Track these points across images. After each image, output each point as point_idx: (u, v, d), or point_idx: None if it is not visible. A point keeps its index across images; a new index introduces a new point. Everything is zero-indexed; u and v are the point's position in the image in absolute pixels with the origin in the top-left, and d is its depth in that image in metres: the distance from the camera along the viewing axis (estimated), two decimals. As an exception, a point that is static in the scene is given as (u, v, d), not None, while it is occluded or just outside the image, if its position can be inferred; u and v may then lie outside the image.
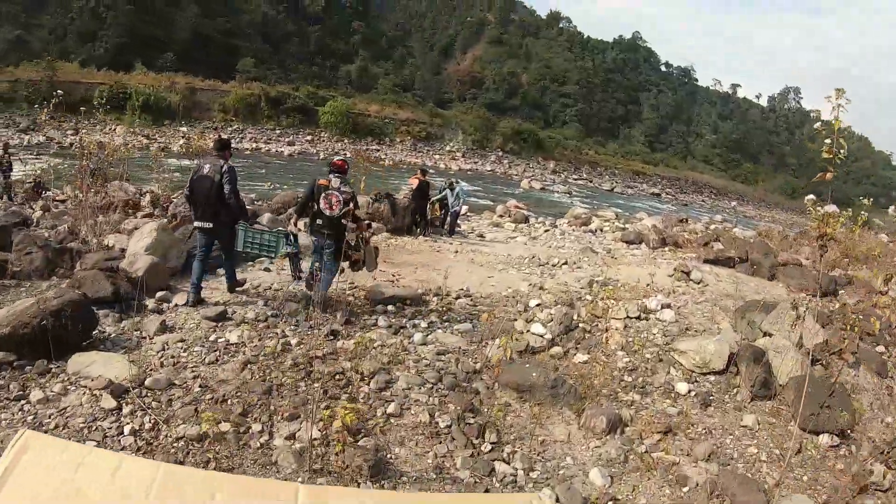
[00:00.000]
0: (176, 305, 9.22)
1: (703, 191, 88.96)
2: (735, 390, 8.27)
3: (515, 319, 10.00)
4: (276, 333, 8.41)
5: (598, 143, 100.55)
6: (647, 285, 12.10)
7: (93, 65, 69.72)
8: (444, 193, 20.05)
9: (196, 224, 9.31)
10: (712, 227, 30.39)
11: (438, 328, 9.61)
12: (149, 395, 6.73)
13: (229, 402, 6.78)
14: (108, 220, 13.16)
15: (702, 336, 9.39)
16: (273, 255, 10.67)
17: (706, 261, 17.57)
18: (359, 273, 10.32)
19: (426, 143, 72.20)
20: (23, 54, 70.51)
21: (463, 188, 21.17)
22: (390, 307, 10.18)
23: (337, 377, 7.52)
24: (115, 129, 52.77)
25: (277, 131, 64.80)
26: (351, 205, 9.05)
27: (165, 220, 15.27)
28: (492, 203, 34.98)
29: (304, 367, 7.56)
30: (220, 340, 8.08)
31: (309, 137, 64.67)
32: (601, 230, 25.07)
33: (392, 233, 17.70)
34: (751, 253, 18.69)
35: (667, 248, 19.87)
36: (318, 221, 9.11)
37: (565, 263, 14.98)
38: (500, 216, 28.00)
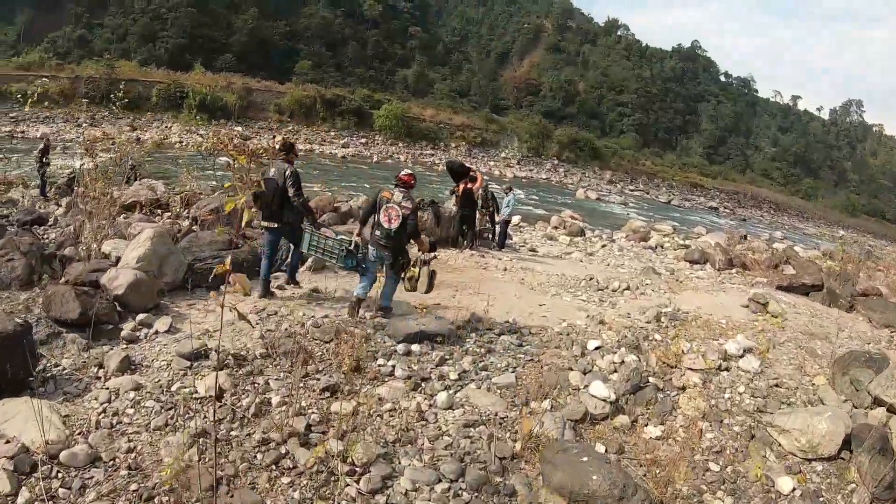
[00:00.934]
0: (156, 332, 8.14)
1: (762, 206, 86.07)
2: (849, 487, 6.60)
3: (570, 369, 8.43)
4: (256, 386, 7.02)
5: (655, 154, 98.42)
6: (723, 320, 10.98)
7: (152, 64, 70.41)
8: (507, 200, 19.07)
9: (263, 223, 9.96)
10: (775, 245, 28.79)
11: (472, 380, 7.91)
12: (60, 474, 5.26)
13: (156, 501, 5.13)
14: (111, 222, 12.22)
15: (802, 407, 7.77)
16: (335, 262, 10.35)
17: (779, 287, 16.34)
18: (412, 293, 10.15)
19: (481, 148, 71.23)
20: (84, 53, 71.55)
21: (515, 196, 19.99)
22: (415, 346, 8.42)
23: (317, 468, 5.74)
24: (170, 127, 53.65)
25: (332, 133, 64.41)
26: (409, 220, 9.08)
27: (169, 223, 14.59)
28: (546, 213, 33.80)
29: (276, 447, 5.98)
30: (183, 391, 6.67)
31: (363, 140, 64.21)
32: (661, 247, 23.79)
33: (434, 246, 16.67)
34: (826, 280, 17.43)
35: (734, 270, 18.66)
36: (377, 233, 9.22)
37: (627, 288, 13.61)
38: (555, 227, 26.90)
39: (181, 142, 49.10)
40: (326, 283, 11.05)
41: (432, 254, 10.23)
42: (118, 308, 8.55)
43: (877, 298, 15.96)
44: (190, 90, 59.96)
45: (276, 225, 9.73)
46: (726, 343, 9.42)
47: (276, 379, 7.26)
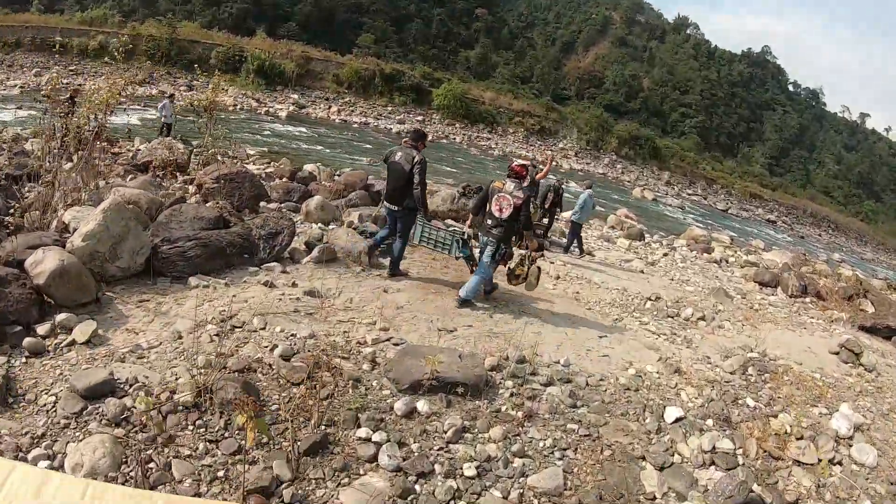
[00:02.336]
0: (73, 343, 6.14)
1: (821, 224, 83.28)
2: None
3: (642, 458, 6.28)
4: (149, 469, 4.64)
5: (714, 159, 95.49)
6: (815, 373, 9.68)
7: (216, 27, 70.13)
8: (582, 198, 17.12)
9: (385, 204, 10.34)
10: (841, 270, 27.12)
11: (500, 474, 5.53)
12: None
13: None
14: (96, 184, 10.94)
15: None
16: (447, 253, 10.73)
17: (861, 328, 14.80)
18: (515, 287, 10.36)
19: (539, 136, 69.32)
20: (149, 13, 71.48)
21: (590, 196, 17.60)
22: (423, 403, 6.19)
23: None
24: (226, 90, 52.52)
25: (389, 108, 63.14)
26: (521, 210, 9.26)
27: (168, 190, 13.06)
28: (601, 210, 32.26)
29: None
30: (41, 464, 4.44)
31: (420, 118, 62.61)
32: (727, 261, 22.22)
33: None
34: (910, 321, 15.94)
35: (808, 299, 17.16)
36: (488, 222, 9.46)
37: (702, 318, 12.07)
38: (612, 227, 25.44)
39: (235, 105, 48.39)
40: (327, 282, 9.33)
41: (540, 252, 10.62)
42: (45, 301, 6.68)
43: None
44: (249, 54, 59.61)
45: (396, 207, 9.91)
46: (832, 418, 7.94)
47: (187, 455, 4.92)
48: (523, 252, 9.92)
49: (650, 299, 12.97)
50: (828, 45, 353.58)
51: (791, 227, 73.51)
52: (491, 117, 68.40)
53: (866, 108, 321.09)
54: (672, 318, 11.90)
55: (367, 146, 42.63)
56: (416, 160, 9.57)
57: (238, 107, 48.48)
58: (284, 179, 18.21)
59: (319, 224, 13.01)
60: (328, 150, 37.37)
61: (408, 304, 9.03)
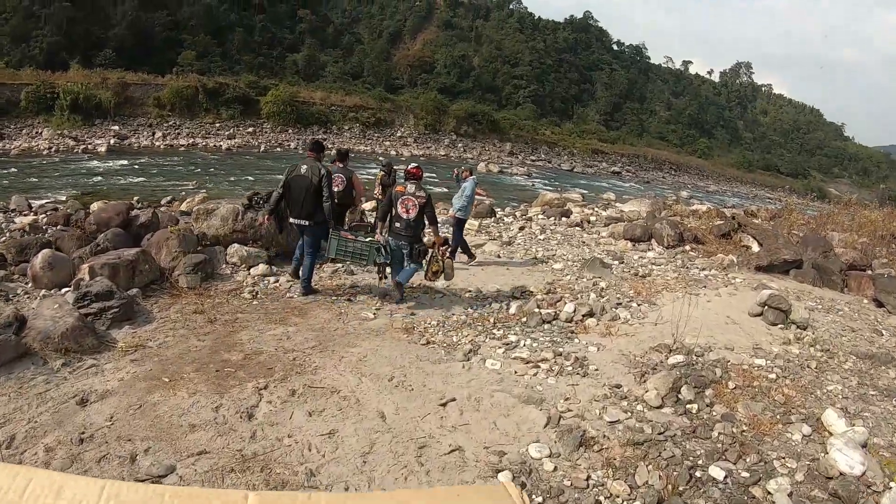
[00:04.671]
0: None
1: (663, 167, 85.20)
2: None
3: None
4: None
5: (553, 123, 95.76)
6: (766, 368, 7.17)
7: (28, 66, 62.84)
8: (463, 188, 13.18)
9: (293, 220, 9.67)
10: (695, 206, 25.29)
11: None
12: None
13: None
14: None
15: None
16: (364, 264, 10.37)
17: (758, 268, 12.74)
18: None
19: (376, 129, 66.14)
20: None
21: (475, 184, 13.58)
22: None
23: None
24: (41, 133, 47.74)
25: (217, 125, 58.04)
26: (426, 209, 9.55)
27: None
28: (446, 191, 29.23)
29: None
30: None
31: (251, 129, 58.24)
32: (588, 222, 19.67)
33: (269, 264, 11.24)
34: (804, 251, 13.85)
35: (687, 247, 14.93)
36: (397, 225, 9.58)
37: (590, 314, 8.99)
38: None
39: (50, 147, 43.26)
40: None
41: (447, 245, 10.71)
42: None
43: (876, 274, 12.27)
44: (61, 90, 53.16)
45: (307, 223, 9.52)
46: (830, 449, 5.24)
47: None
48: (432, 249, 9.83)
49: (514, 297, 10.16)
50: (644, 4, 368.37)
51: (636, 175, 75.25)
52: (324, 117, 64.65)
53: (687, 55, 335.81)
54: (549, 323, 8.86)
55: (195, 168, 38.71)
56: (322, 172, 9.41)
57: (53, 149, 43.11)
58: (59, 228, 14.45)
59: (55, 289, 9.49)
60: (149, 181, 33.24)
61: (108, 425, 5.56)
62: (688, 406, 6.19)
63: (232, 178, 35.08)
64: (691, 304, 8.92)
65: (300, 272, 9.90)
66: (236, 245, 11.26)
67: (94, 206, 17.45)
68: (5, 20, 77.01)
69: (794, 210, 20.36)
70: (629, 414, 6.05)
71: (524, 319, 8.99)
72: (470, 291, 10.68)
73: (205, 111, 59.58)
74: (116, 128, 52.76)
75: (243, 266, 10.92)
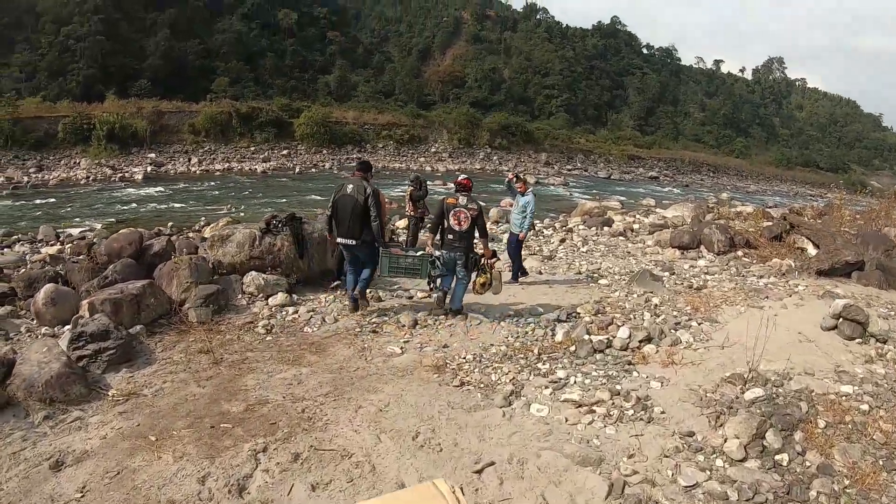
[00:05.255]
0: None
1: (701, 169, 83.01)
2: None
3: None
4: None
5: (587, 132, 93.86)
6: (855, 396, 6.02)
7: (65, 99, 63.53)
8: (524, 202, 11.94)
9: (340, 240, 9.35)
10: (738, 207, 23.95)
11: None
12: None
13: None
14: None
15: None
16: (418, 278, 10.06)
17: (819, 272, 11.40)
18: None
19: (410, 146, 65.27)
20: None
21: (531, 199, 12.09)
22: None
23: None
24: (78, 163, 47.97)
25: (252, 149, 57.83)
26: (478, 220, 9.33)
27: None
28: (483, 205, 28.14)
29: None
30: None
31: (285, 152, 57.90)
32: (632, 230, 18.46)
33: (289, 292, 10.17)
34: (865, 250, 12.51)
35: (739, 252, 13.69)
36: (450, 237, 9.32)
37: (647, 339, 7.81)
38: (496, 223, 21.50)
39: (88, 177, 43.25)
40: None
41: (495, 257, 10.21)
42: None
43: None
44: (97, 121, 53.25)
45: (353, 242, 9.21)
46: None
47: None
48: (482, 260, 9.65)
49: (559, 321, 8.97)
50: (672, 6, 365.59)
51: (673, 179, 73.29)
52: (357, 137, 64.11)
53: (718, 55, 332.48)
54: (602, 352, 7.68)
55: (229, 192, 38.20)
56: (369, 191, 9.11)
57: (91, 178, 43.03)
58: (83, 257, 13.66)
59: (58, 326, 8.73)
60: (184, 206, 32.75)
61: (78, 497, 4.70)
62: (776, 457, 5.06)
63: (266, 201, 34.47)
64: (756, 319, 7.76)
65: (356, 286, 9.52)
66: (253, 273, 10.24)
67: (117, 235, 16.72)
68: (42, 56, 78.57)
69: (842, 206, 18.97)
70: (708, 473, 4.93)
71: (573, 348, 7.81)
72: (510, 315, 9.57)
73: (239, 136, 59.44)
74: (153, 155, 52.80)
75: (261, 296, 9.91)
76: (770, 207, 25.77)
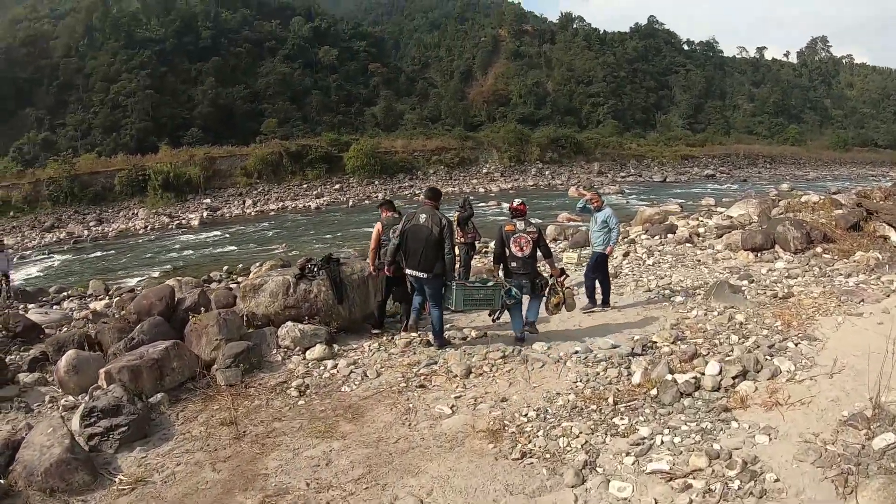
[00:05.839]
0: None
1: (757, 162, 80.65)
2: None
3: None
4: None
5: (637, 136, 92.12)
6: None
7: (120, 153, 64.75)
8: (604, 217, 10.79)
9: (410, 272, 8.84)
10: (810, 197, 22.31)
11: None
12: None
13: None
14: None
15: None
16: (491, 307, 8.98)
17: None
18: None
19: (460, 169, 64.52)
20: (51, 154, 66.67)
21: (610, 212, 11.01)
22: None
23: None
24: (136, 213, 48.94)
25: (304, 186, 57.82)
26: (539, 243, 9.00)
27: None
28: (540, 221, 27.03)
29: None
30: None
31: (337, 186, 57.66)
32: (698, 235, 17.09)
33: (329, 343, 8.95)
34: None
35: (818, 248, 12.34)
36: (513, 264, 8.95)
37: (742, 374, 6.51)
38: (555, 240, 20.36)
39: (146, 226, 43.71)
40: None
41: (564, 275, 9.81)
42: None
43: None
44: (151, 171, 53.94)
45: (426, 275, 8.59)
46: None
47: None
48: (551, 280, 9.38)
49: (634, 354, 7.77)
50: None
51: (730, 174, 71.23)
52: (408, 164, 63.58)
53: (760, 42, 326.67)
54: (690, 396, 6.34)
55: (284, 231, 38.05)
56: (444, 223, 8.61)
57: (149, 227, 43.44)
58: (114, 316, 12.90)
59: (81, 395, 7.87)
60: (239, 248, 32.47)
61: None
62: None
63: (328, 233, 34.70)
64: (860, 330, 6.46)
65: (432, 332, 9.02)
66: (290, 324, 9.14)
67: (143, 289, 15.99)
68: (95, 113, 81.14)
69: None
70: None
71: (654, 392, 6.48)
72: (577, 351, 8.21)
73: (291, 174, 59.48)
74: (208, 201, 53.12)
75: (297, 349, 8.79)
76: (834, 194, 24.66)
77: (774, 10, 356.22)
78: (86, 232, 41.55)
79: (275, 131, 76.94)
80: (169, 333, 9.02)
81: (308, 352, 8.68)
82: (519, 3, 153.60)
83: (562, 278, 9.52)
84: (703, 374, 6.69)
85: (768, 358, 6.92)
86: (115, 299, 17.93)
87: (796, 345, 7.28)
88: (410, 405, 6.89)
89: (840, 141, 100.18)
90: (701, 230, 17.82)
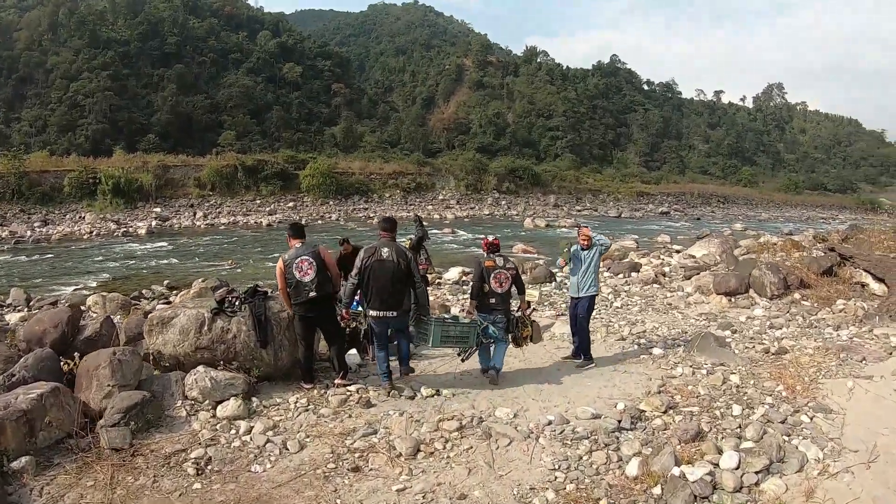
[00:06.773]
0: None
1: (711, 201, 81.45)
2: None
3: None
4: None
5: (594, 171, 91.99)
6: None
7: (74, 153, 62.72)
8: (599, 242, 9.25)
9: (374, 313, 7.85)
10: (760, 238, 21.50)
11: None
12: None
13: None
14: None
15: None
16: (466, 347, 8.42)
17: None
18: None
19: (416, 194, 63.75)
20: (1, 149, 64.23)
21: (594, 253, 9.26)
22: None
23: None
24: (83, 217, 46.63)
25: (257, 201, 56.03)
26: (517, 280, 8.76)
27: None
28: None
29: None
30: None
31: (291, 204, 56.16)
32: (664, 275, 15.92)
33: (246, 397, 7.16)
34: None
35: (796, 295, 11.39)
36: (492, 300, 8.52)
37: (767, 470, 5.05)
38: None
39: (91, 231, 41.32)
40: None
41: (531, 308, 9.47)
42: None
43: None
44: (102, 175, 51.73)
45: (394, 313, 7.83)
46: None
47: None
48: (518, 314, 8.81)
49: (622, 429, 6.40)
50: (669, 40, 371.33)
51: (684, 212, 71.75)
52: (364, 186, 62.35)
53: (718, 86, 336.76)
54: (707, 499, 4.87)
55: (233, 246, 36.23)
56: (409, 255, 7.94)
57: (95, 233, 41.06)
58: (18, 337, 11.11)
59: None
60: (183, 262, 30.65)
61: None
62: None
63: (271, 254, 32.56)
64: (876, 399, 5.27)
65: (398, 359, 8.57)
66: (201, 369, 7.28)
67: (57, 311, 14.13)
68: (52, 111, 79.18)
69: (867, 229, 17.00)
70: None
71: (656, 490, 4.98)
72: (550, 421, 6.69)
73: (245, 188, 57.86)
74: (158, 210, 51.25)
75: (206, 402, 7.01)
76: (789, 234, 24.20)
77: (736, 54, 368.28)
78: (29, 232, 39.49)
79: (232, 144, 75.62)
80: (57, 371, 7.25)
81: (220, 407, 6.89)
82: (485, 35, 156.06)
83: (528, 311, 9.07)
84: (718, 466, 5.23)
85: (786, 438, 5.62)
86: (35, 312, 15.96)
87: (811, 418, 6.08)
88: (339, 495, 5.20)
89: (792, 184, 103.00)
90: (666, 269, 16.79)
